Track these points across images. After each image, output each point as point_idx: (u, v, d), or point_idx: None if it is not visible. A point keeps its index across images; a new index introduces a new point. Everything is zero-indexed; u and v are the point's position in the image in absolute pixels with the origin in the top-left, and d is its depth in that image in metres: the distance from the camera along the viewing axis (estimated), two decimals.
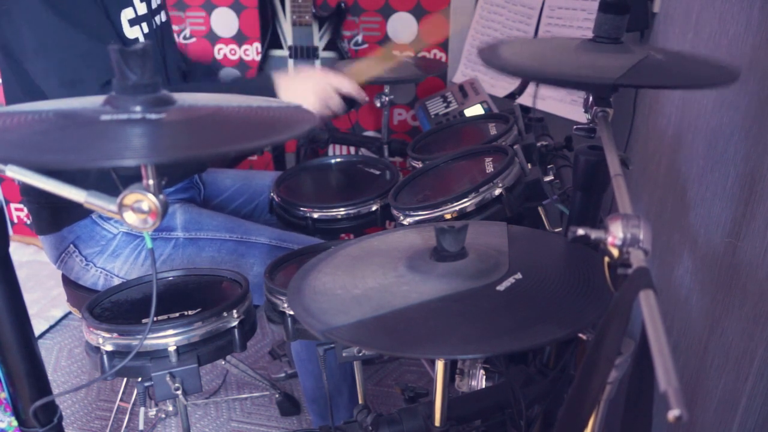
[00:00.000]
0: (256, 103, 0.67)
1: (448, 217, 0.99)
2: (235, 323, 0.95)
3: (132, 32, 1.26)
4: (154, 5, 1.34)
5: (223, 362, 1.76)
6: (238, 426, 1.71)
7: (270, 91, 1.23)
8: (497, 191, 0.99)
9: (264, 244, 1.31)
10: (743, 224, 0.85)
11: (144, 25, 1.29)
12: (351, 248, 0.82)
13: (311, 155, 2.02)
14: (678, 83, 0.76)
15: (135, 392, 1.70)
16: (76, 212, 1.27)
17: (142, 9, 1.29)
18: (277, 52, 2.09)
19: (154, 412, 1.71)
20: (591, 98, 0.77)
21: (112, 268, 1.29)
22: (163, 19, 1.41)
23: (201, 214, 1.35)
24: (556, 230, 1.14)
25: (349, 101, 1.38)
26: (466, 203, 0.99)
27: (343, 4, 2.01)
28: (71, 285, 1.36)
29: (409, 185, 1.18)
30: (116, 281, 1.29)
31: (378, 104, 1.79)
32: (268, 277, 1.01)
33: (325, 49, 2.07)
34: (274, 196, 1.38)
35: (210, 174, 1.58)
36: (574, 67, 0.74)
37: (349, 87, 1.31)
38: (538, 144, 1.27)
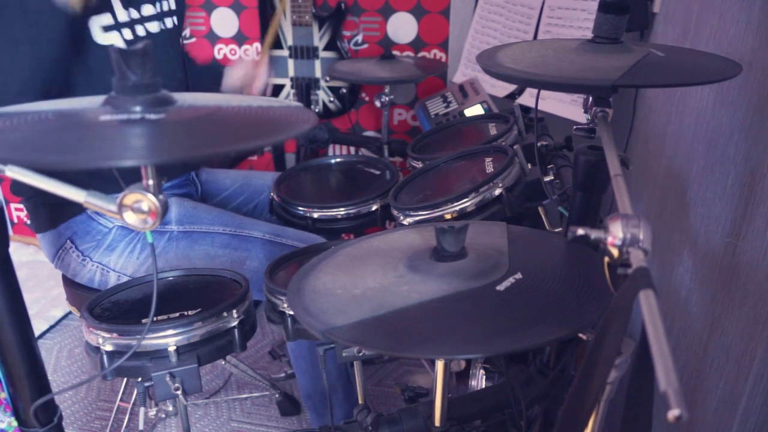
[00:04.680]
0: (257, 102, 0.67)
1: (448, 217, 0.99)
2: (235, 323, 0.95)
3: (107, 38, 1.22)
4: (146, 12, 1.30)
5: (223, 362, 1.76)
6: (238, 426, 1.71)
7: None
8: (497, 191, 0.99)
9: (257, 238, 1.30)
10: (743, 224, 0.85)
11: (126, 31, 1.25)
12: (351, 248, 0.82)
13: (311, 155, 2.02)
14: (678, 81, 0.76)
15: (135, 392, 1.70)
16: (73, 208, 1.28)
17: (124, 16, 1.25)
18: (277, 52, 2.09)
19: (154, 412, 1.71)
20: (590, 99, 0.77)
21: (108, 262, 1.29)
22: (169, 26, 1.37)
23: (196, 208, 1.35)
24: (556, 230, 1.14)
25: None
26: (466, 203, 0.99)
27: (343, 4, 2.01)
28: (71, 284, 1.36)
29: (409, 185, 1.18)
30: (112, 275, 1.29)
31: (378, 104, 1.79)
32: (268, 277, 1.01)
33: (325, 49, 2.07)
34: (274, 196, 1.38)
35: (210, 173, 1.58)
36: (573, 71, 0.74)
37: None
38: (539, 144, 1.27)
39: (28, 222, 2.57)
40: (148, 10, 1.31)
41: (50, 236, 1.31)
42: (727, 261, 0.90)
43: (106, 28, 1.22)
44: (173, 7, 1.38)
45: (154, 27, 1.33)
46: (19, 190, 1.32)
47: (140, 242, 1.29)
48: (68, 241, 1.30)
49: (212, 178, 1.56)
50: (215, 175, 1.58)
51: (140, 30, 1.30)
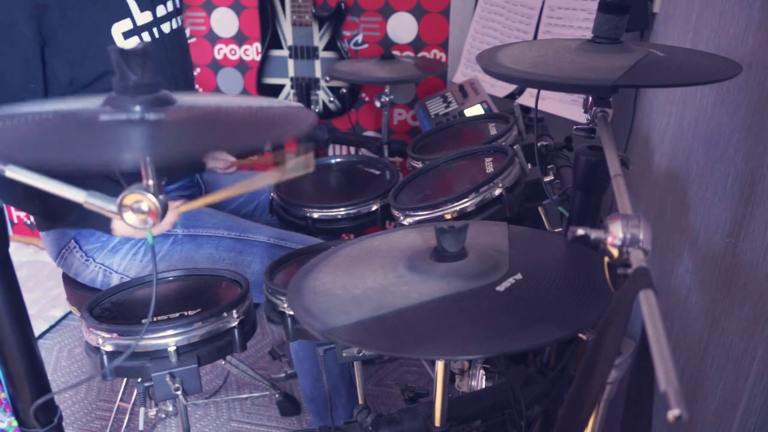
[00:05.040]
0: (257, 103, 0.67)
1: (448, 217, 1.00)
2: (235, 323, 0.95)
3: (129, 44, 1.24)
4: (160, 12, 1.31)
5: (223, 362, 1.76)
6: (238, 426, 1.71)
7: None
8: (497, 191, 0.99)
9: (262, 242, 1.31)
10: (743, 224, 0.85)
11: (145, 35, 1.28)
12: (351, 248, 0.82)
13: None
14: (678, 81, 0.76)
15: (135, 392, 1.70)
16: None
17: (143, 18, 1.26)
18: (277, 52, 2.09)
19: (154, 412, 1.71)
20: (590, 99, 0.77)
21: (111, 263, 1.29)
22: (175, 26, 1.38)
23: (200, 212, 1.35)
24: (556, 230, 1.14)
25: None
26: (466, 203, 0.99)
27: (343, 4, 2.01)
28: (71, 284, 1.36)
29: (409, 185, 1.18)
30: (115, 277, 1.30)
31: (378, 104, 1.79)
32: (268, 277, 1.01)
33: (325, 49, 2.07)
34: (274, 196, 1.38)
35: (210, 174, 1.58)
36: (573, 71, 0.74)
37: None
38: (539, 144, 1.27)
39: (29, 222, 2.58)
40: (161, 10, 1.32)
41: (54, 235, 1.31)
42: (727, 261, 0.90)
43: (126, 34, 1.23)
44: (178, 5, 1.39)
45: (167, 27, 1.34)
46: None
47: (144, 245, 1.29)
48: (72, 240, 1.30)
49: (213, 179, 1.56)
50: (216, 175, 1.58)
51: (157, 32, 1.30)
